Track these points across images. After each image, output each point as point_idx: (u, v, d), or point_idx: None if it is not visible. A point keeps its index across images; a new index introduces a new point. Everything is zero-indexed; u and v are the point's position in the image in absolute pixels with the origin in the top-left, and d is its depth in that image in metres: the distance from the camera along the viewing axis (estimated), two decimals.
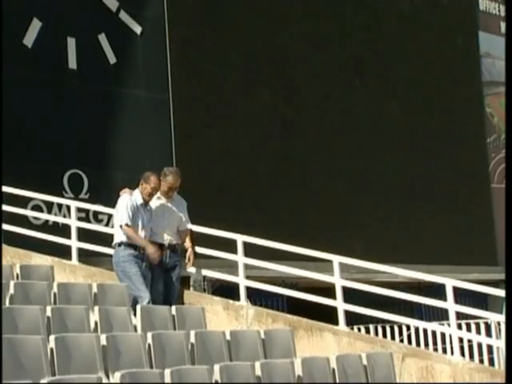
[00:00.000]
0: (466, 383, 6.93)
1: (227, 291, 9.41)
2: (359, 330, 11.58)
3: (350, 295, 8.78)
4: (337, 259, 8.35)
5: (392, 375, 6.85)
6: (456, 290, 7.83)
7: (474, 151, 18.65)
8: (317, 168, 14.69)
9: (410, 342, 12.12)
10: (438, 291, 8.66)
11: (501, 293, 9.12)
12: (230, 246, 8.81)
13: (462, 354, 9.26)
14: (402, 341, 11.65)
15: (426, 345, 11.75)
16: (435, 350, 11.12)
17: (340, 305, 8.16)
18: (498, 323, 11.67)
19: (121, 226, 7.92)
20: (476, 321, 11.10)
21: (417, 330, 12.17)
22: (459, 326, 8.84)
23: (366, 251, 12.54)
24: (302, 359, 6.34)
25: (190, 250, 8.44)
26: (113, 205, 8.39)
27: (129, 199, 8.03)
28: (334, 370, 6.45)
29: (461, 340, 8.42)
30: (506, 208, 6.03)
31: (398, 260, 12.45)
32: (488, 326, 11.96)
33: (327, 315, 8.55)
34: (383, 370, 6.79)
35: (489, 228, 18.90)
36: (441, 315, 11.54)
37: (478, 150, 18.94)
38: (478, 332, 11.00)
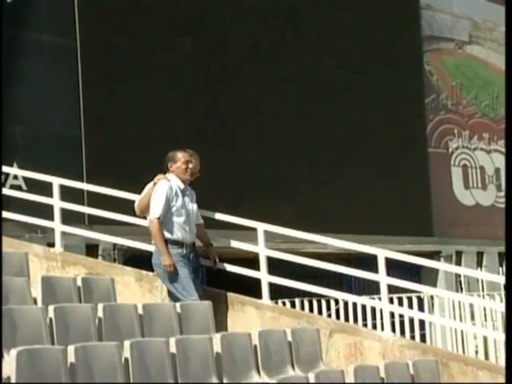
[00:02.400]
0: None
1: (140, 261, 9.33)
2: (284, 304, 11.69)
3: (276, 266, 8.83)
4: (261, 227, 8.36)
5: (318, 352, 6.94)
6: (388, 261, 7.94)
7: (411, 112, 18.91)
8: (243, 127, 14.65)
9: (338, 317, 12.31)
10: (369, 263, 8.79)
11: (435, 265, 9.33)
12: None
13: (393, 330, 9.46)
14: (329, 316, 11.81)
15: (356, 320, 11.95)
16: (365, 325, 11.31)
17: (264, 277, 8.19)
18: (431, 297, 11.95)
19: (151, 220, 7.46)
20: (408, 295, 11.33)
21: (346, 304, 12.36)
22: (391, 301, 9.00)
23: (293, 219, 12.59)
24: (221, 335, 6.36)
25: (210, 247, 8.07)
26: (10, 162, 8.12)
27: (168, 187, 7.56)
28: (255, 346, 6.49)
29: (392, 315, 8.58)
30: (506, 208, 6.18)
31: (328, 229, 12.59)
32: (421, 301, 12.24)
33: (250, 288, 8.58)
34: (309, 347, 6.87)
35: (425, 196, 19.28)
36: (372, 289, 11.73)
37: (416, 112, 19.22)
38: (410, 307, 11.23)
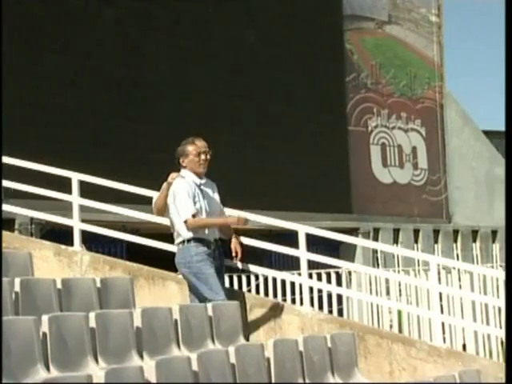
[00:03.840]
0: None
1: (59, 236, 9.19)
2: None
3: None
4: None
5: (239, 326, 6.96)
6: (308, 238, 8.00)
7: (332, 90, 19.05)
8: (166, 101, 14.53)
9: (258, 292, 12.39)
10: (289, 239, 8.83)
11: (353, 241, 9.45)
12: (64, 185, 8.56)
13: (312, 305, 9.57)
14: (249, 291, 11.88)
15: (275, 295, 12.04)
16: (284, 300, 11.40)
17: None
18: (349, 273, 12.13)
19: (185, 222, 7.07)
20: (327, 270, 11.47)
21: (266, 279, 12.44)
22: (310, 276, 9.09)
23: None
24: (141, 310, 6.31)
25: (234, 240, 7.55)
26: None
27: (187, 185, 7.19)
28: (176, 320, 6.47)
29: (311, 290, 8.66)
30: (506, 208, 6.23)
31: (249, 205, 12.59)
32: (339, 276, 12.40)
33: (172, 263, 8.55)
34: (230, 321, 6.88)
35: (344, 174, 19.51)
36: (291, 264, 11.83)
37: (337, 90, 19.37)
38: (329, 282, 11.36)
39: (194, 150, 7.39)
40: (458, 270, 11.67)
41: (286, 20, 17.50)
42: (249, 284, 12.65)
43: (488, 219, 24.61)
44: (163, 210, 7.46)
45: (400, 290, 12.36)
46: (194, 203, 7.18)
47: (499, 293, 11.34)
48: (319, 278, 11.01)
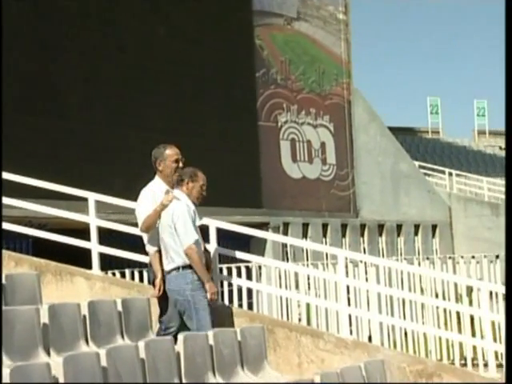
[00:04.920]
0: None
1: None
2: (114, 274, 11.56)
3: (107, 238, 8.70)
4: (92, 197, 8.20)
5: (148, 321, 6.92)
6: (219, 232, 8.01)
7: (242, 85, 19.10)
8: (73, 94, 14.31)
9: None
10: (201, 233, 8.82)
11: (264, 235, 9.51)
12: None
13: (222, 299, 9.58)
14: None
15: None
16: None
17: (94, 247, 8.06)
18: (259, 267, 12.18)
19: (187, 247, 6.74)
20: (237, 264, 11.49)
21: None
22: (220, 270, 9.10)
23: (125, 189, 12.43)
24: (48, 306, 6.20)
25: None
26: None
27: (187, 209, 6.84)
28: (84, 316, 6.38)
29: (221, 284, 8.67)
30: (506, 207, 6.27)
31: None
32: (249, 270, 12.44)
33: (81, 259, 8.42)
34: (139, 317, 6.84)
35: (255, 169, 19.60)
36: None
37: (247, 85, 19.43)
38: (239, 276, 11.39)
39: (203, 180, 7.18)
40: (365, 263, 11.87)
41: (196, 15, 17.47)
42: None
43: (393, 213, 25.12)
44: (152, 228, 7.14)
45: (309, 284, 12.49)
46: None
47: (403, 285, 11.58)
48: (229, 272, 11.02)
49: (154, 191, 7.16)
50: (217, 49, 17.95)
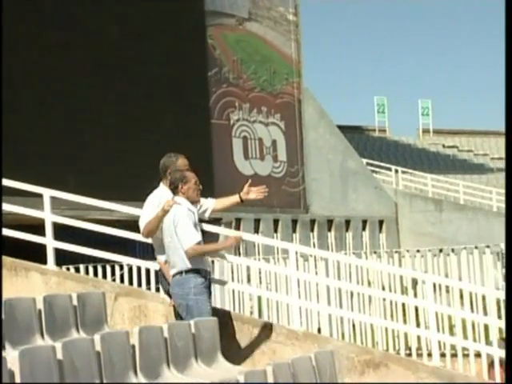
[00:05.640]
0: None
1: None
2: (68, 269, 11.48)
3: (61, 233, 8.63)
4: (48, 193, 8.13)
5: (103, 315, 6.88)
6: None
7: (195, 84, 19.08)
8: (27, 90, 14.15)
9: (123, 281, 12.28)
10: None
11: (216, 230, 9.52)
12: None
13: None
14: (114, 280, 11.76)
15: (140, 284, 11.98)
16: (149, 289, 11.36)
17: (49, 242, 7.99)
18: (212, 261, 12.19)
19: (187, 250, 6.71)
20: None
21: (130, 270, 12.34)
22: None
23: (79, 185, 12.37)
24: (4, 300, 6.13)
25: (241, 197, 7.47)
26: None
27: (188, 211, 6.81)
28: (40, 311, 6.33)
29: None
30: (506, 207, 6.28)
31: (113, 196, 12.46)
32: None
33: (36, 254, 8.34)
34: (94, 310, 6.80)
35: (207, 165, 19.59)
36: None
37: (200, 83, 19.42)
38: None
39: (194, 177, 7.10)
40: (315, 257, 11.97)
41: (149, 15, 17.40)
42: (113, 274, 12.51)
43: (342, 209, 25.32)
44: (153, 233, 7.12)
45: (260, 278, 12.55)
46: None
47: (351, 278, 11.70)
48: None
49: (160, 198, 7.08)
50: (170, 48, 17.89)
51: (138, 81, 16.88)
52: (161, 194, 7.16)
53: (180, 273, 6.83)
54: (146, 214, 7.13)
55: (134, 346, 5.85)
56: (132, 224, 14.11)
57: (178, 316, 7.02)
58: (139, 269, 12.04)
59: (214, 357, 6.61)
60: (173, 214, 6.85)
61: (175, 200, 6.89)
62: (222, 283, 10.23)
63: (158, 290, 11.41)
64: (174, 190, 7.02)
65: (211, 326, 6.78)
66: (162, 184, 7.29)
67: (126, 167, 15.91)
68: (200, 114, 19.32)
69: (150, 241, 7.97)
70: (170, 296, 7.11)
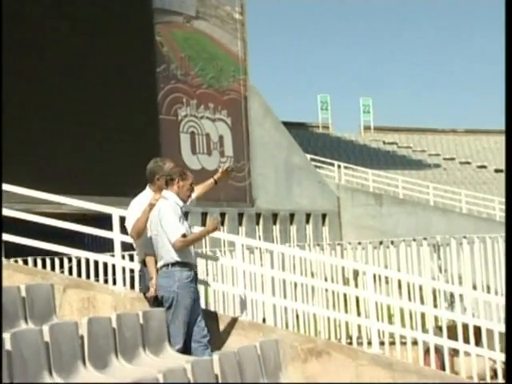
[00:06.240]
0: None
1: None
2: (16, 261, 11.33)
3: (10, 226, 8.51)
4: None
5: (52, 306, 6.82)
6: (122, 221, 7.95)
7: (143, 80, 18.97)
8: None
9: (71, 273, 12.16)
10: (104, 223, 8.74)
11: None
12: None
13: (125, 284, 9.52)
14: (62, 272, 11.64)
15: (89, 276, 11.87)
16: (97, 281, 11.27)
17: None
18: None
19: (175, 243, 6.60)
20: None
21: (79, 262, 12.23)
22: (123, 257, 9.05)
23: (29, 179, 12.19)
24: None
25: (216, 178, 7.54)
26: None
27: (174, 205, 6.70)
28: None
29: (124, 271, 8.62)
30: (506, 207, 6.28)
31: (63, 190, 12.33)
32: None
33: None
34: (43, 302, 6.73)
35: None
36: (106, 247, 11.70)
37: (148, 80, 19.31)
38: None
39: (191, 178, 7.00)
40: (260, 249, 12.02)
41: (98, 11, 17.23)
42: (62, 266, 12.38)
43: (286, 203, 25.44)
44: (142, 232, 7.00)
45: (207, 269, 12.54)
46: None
47: (295, 269, 11.78)
48: (132, 259, 10.95)
49: (147, 199, 6.99)
50: (118, 44, 17.75)
51: (87, 76, 16.70)
52: (148, 196, 7.08)
53: (166, 265, 6.77)
54: (132, 214, 7.07)
55: (82, 337, 5.81)
56: (81, 217, 14.03)
57: (154, 305, 6.95)
58: (88, 261, 11.94)
59: (161, 346, 6.60)
60: (158, 208, 6.79)
61: (162, 194, 6.83)
62: None
63: (106, 281, 11.34)
64: (169, 181, 6.91)
65: (159, 316, 6.77)
66: (148, 188, 7.23)
67: (75, 162, 15.75)
68: (148, 109, 19.22)
69: (95, 232, 7.91)
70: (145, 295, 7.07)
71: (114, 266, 8.59)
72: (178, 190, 6.84)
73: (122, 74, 17.89)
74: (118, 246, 7.86)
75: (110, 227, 7.91)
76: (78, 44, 16.57)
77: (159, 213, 6.76)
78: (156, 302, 6.93)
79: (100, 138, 16.79)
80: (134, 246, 7.28)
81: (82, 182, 15.32)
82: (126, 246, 8.61)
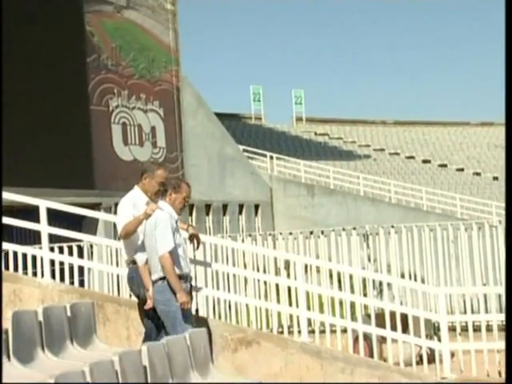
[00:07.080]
0: None
1: None
2: None
3: None
4: None
5: None
6: (51, 213, 7.81)
7: (74, 70, 18.66)
8: None
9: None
10: (34, 215, 8.57)
11: (95, 215, 9.33)
12: None
13: (53, 277, 9.36)
14: None
15: (16, 269, 11.63)
16: (25, 273, 11.06)
17: None
18: (91, 246, 11.99)
19: (162, 256, 6.48)
20: (69, 244, 11.26)
21: (6, 254, 11.97)
22: (52, 249, 8.89)
23: None
24: None
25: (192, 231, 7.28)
26: None
27: (169, 218, 6.56)
28: None
29: (52, 263, 8.48)
30: (505, 206, 6.20)
31: None
32: (81, 249, 12.23)
33: None
34: None
35: (86, 151, 19.22)
36: (34, 239, 11.48)
37: (78, 70, 19.00)
38: (71, 254, 11.18)
39: (186, 192, 6.87)
40: (193, 240, 11.94)
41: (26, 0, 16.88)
42: None
43: (220, 194, 25.40)
44: (131, 235, 6.90)
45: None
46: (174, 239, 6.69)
47: (228, 260, 11.76)
48: (61, 251, 10.76)
49: (135, 200, 6.96)
50: (47, 33, 17.42)
51: (16, 66, 16.34)
52: (136, 197, 7.04)
53: (162, 279, 6.67)
54: (123, 215, 6.98)
55: (7, 331, 5.68)
56: (10, 209, 13.72)
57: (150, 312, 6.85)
58: (15, 254, 11.69)
59: (89, 339, 6.51)
60: (154, 218, 6.71)
61: (158, 205, 6.76)
62: (101, 267, 10.08)
63: (34, 274, 11.13)
64: (163, 192, 6.86)
65: (87, 308, 6.67)
66: (136, 187, 7.17)
67: (2, 153, 15.40)
68: (79, 100, 18.91)
69: (21, 224, 7.75)
70: (140, 299, 6.98)
71: (42, 258, 8.42)
72: (170, 202, 6.78)
73: (51, 63, 17.56)
74: (45, 238, 7.73)
75: (38, 219, 7.76)
76: (7, 32, 16.19)
77: (155, 223, 6.68)
78: (153, 310, 6.85)
79: (29, 129, 16.46)
80: (122, 245, 7.13)
81: (10, 173, 14.98)
82: (55, 239, 8.46)
